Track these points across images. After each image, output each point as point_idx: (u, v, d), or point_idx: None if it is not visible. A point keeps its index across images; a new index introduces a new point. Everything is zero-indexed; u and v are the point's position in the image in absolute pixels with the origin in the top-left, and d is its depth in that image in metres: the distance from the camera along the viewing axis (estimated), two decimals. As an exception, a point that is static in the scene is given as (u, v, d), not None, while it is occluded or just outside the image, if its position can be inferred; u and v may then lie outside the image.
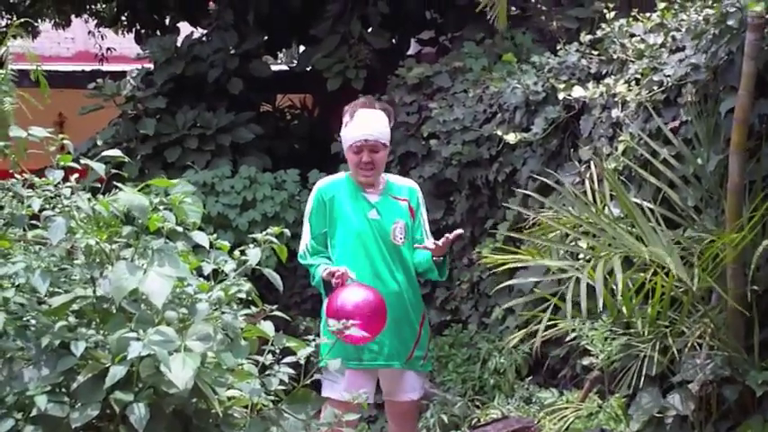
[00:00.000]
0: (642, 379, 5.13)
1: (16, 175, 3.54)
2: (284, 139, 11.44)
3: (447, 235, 5.40)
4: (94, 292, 3.31)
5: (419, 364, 5.63)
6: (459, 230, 5.51)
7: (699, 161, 5.48)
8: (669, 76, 5.77)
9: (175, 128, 10.17)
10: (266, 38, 11.82)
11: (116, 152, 3.52)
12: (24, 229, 3.62)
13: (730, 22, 5.25)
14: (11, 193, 3.56)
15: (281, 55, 15.11)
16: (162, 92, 10.52)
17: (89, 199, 3.35)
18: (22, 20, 4.39)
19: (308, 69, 11.35)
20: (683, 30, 6.03)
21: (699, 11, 5.97)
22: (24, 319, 3.28)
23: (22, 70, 4.20)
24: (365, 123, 5.54)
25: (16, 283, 3.27)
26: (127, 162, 3.56)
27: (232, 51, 10.83)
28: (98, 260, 3.37)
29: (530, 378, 6.89)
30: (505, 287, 6.60)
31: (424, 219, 5.72)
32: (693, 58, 5.65)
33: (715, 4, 5.59)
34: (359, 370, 5.43)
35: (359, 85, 10.12)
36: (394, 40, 11.56)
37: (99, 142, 10.13)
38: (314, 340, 3.70)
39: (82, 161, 3.39)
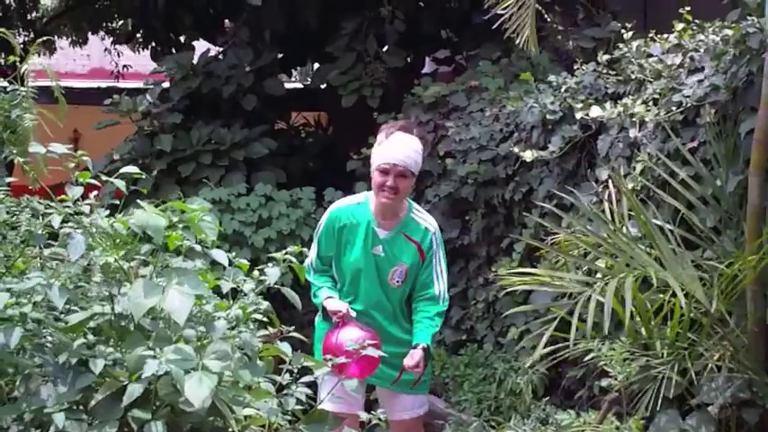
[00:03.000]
0: (660, 401, 5.10)
1: (33, 193, 3.55)
2: (298, 157, 11.42)
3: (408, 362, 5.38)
4: (113, 309, 3.30)
5: (408, 387, 5.62)
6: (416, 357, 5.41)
7: (718, 182, 5.46)
8: (688, 96, 5.75)
9: (190, 144, 10.18)
10: (281, 55, 11.83)
11: (133, 169, 3.51)
12: (40, 247, 3.62)
13: (750, 43, 5.24)
14: (28, 210, 3.56)
15: (295, 73, 15.12)
16: (178, 108, 10.54)
17: (107, 216, 3.34)
18: (44, 38, 4.37)
19: (323, 87, 11.35)
20: (702, 50, 6.01)
21: (717, 31, 5.96)
22: (42, 335, 3.27)
23: (39, 87, 4.20)
24: (399, 147, 5.40)
25: (33, 300, 3.26)
26: (142, 178, 3.55)
27: (247, 69, 10.84)
28: (116, 278, 3.36)
29: (546, 399, 6.84)
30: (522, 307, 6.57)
31: (436, 262, 5.59)
32: (713, 78, 5.63)
33: (734, 25, 5.58)
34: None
35: (374, 103, 10.11)
36: (409, 59, 11.56)
37: (116, 157, 10.15)
38: (330, 360, 3.69)
39: (102, 178, 3.38)
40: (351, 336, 5.16)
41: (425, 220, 5.64)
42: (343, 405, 5.22)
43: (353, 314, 5.36)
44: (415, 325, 5.55)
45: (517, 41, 6.39)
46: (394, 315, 5.61)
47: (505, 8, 6.07)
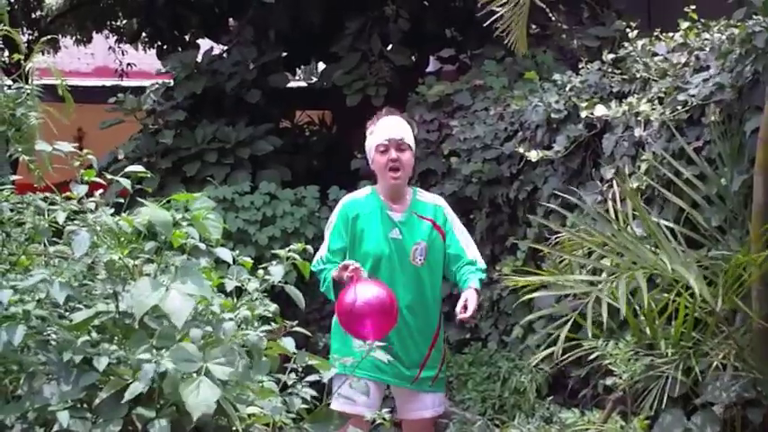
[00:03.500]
0: (665, 400, 5.09)
1: (38, 191, 3.55)
2: (303, 156, 11.43)
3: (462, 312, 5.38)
4: (117, 307, 3.30)
5: (428, 384, 5.63)
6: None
7: (723, 181, 5.45)
8: (693, 95, 5.73)
9: (194, 142, 10.18)
10: (285, 54, 11.84)
11: (138, 168, 3.51)
12: (45, 245, 3.62)
13: (756, 42, 5.23)
14: (32, 208, 3.56)
15: (299, 71, 15.12)
16: (182, 106, 10.55)
17: (112, 214, 3.34)
18: (49, 37, 4.36)
19: (328, 86, 11.36)
20: (708, 49, 6.00)
21: (723, 30, 5.95)
22: (45, 333, 3.27)
23: (43, 85, 4.20)
24: (390, 124, 5.61)
25: (37, 298, 3.26)
26: (147, 176, 3.55)
27: (251, 66, 10.84)
28: (120, 275, 3.35)
29: (550, 398, 6.83)
30: (526, 305, 6.57)
31: (458, 233, 5.72)
32: (718, 77, 5.62)
33: (740, 24, 5.56)
34: (362, 379, 5.29)
35: (379, 102, 10.10)
36: (414, 58, 11.56)
37: (120, 156, 10.15)
38: (337, 359, 3.69)
39: (108, 176, 3.39)
40: (368, 291, 5.08)
41: (432, 198, 5.83)
42: (356, 407, 5.03)
43: (365, 274, 5.25)
44: (459, 277, 5.62)
45: (506, 41, 6.35)
46: (421, 303, 5.59)
47: (501, 5, 6.02)
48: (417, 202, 5.68)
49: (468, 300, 5.39)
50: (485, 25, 6.27)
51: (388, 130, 5.56)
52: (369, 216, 5.57)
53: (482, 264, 5.69)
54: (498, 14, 6.10)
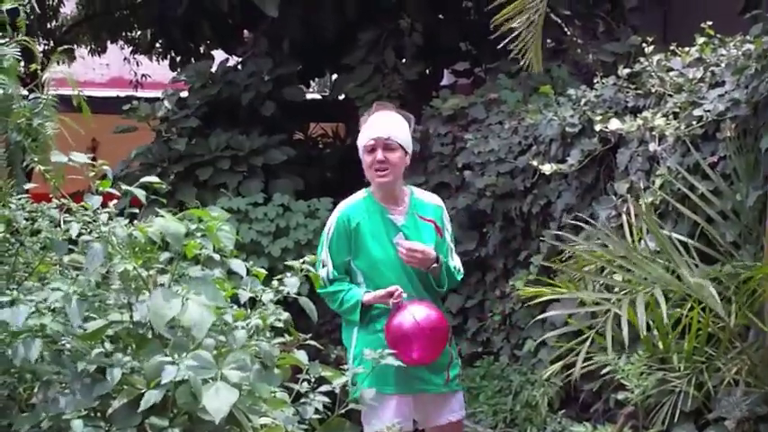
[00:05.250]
0: (677, 415, 5.08)
1: (54, 200, 3.56)
2: (316, 168, 11.44)
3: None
4: (131, 317, 3.31)
5: (455, 383, 5.49)
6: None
7: (737, 197, 5.45)
8: (709, 110, 5.73)
9: (208, 149, 10.21)
10: (299, 66, 11.87)
11: (153, 178, 3.52)
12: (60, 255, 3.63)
13: (773, 58, 5.24)
14: (47, 218, 3.57)
15: (313, 84, 15.15)
16: (196, 115, 10.58)
17: (127, 225, 3.35)
18: (65, 47, 4.39)
19: (341, 98, 11.37)
20: (723, 65, 5.99)
21: (739, 46, 5.94)
22: (60, 343, 3.27)
23: (59, 95, 4.21)
24: (378, 122, 5.34)
25: (52, 307, 3.27)
26: (159, 184, 3.55)
27: (266, 78, 10.86)
28: (134, 285, 3.36)
29: (562, 411, 6.83)
30: (538, 320, 6.56)
31: (449, 239, 5.51)
32: (734, 93, 5.61)
33: (756, 39, 5.56)
34: (394, 396, 5.23)
35: (392, 115, 10.10)
36: (428, 71, 11.57)
37: (132, 159, 10.19)
38: (354, 365, 3.69)
39: (123, 188, 3.39)
40: (423, 314, 5.00)
41: (431, 197, 5.58)
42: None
43: (405, 295, 5.13)
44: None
45: (521, 63, 6.35)
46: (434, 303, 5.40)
47: (515, 23, 6.04)
48: (416, 201, 5.45)
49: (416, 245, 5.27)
50: (499, 47, 6.28)
51: (375, 129, 5.30)
52: (370, 222, 5.32)
53: (459, 272, 5.52)
54: (514, 34, 6.11)
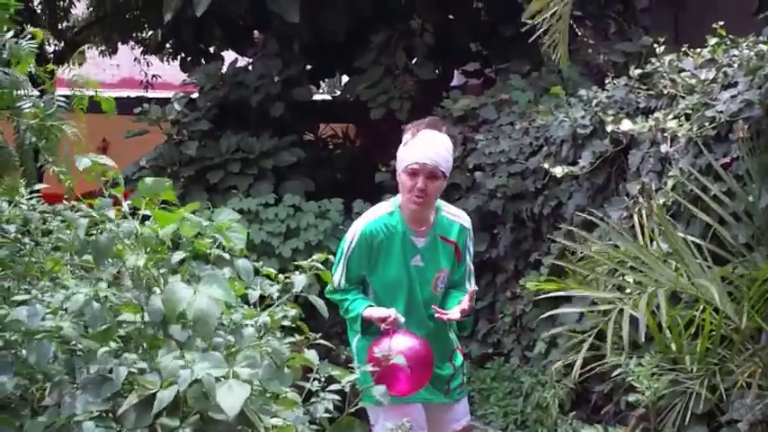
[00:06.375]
0: (689, 417, 5.06)
1: (65, 201, 3.57)
2: (326, 168, 11.44)
3: (465, 298, 5.05)
4: (142, 317, 3.30)
5: (457, 393, 5.40)
6: (473, 289, 5.18)
7: (750, 198, 5.43)
8: (721, 111, 5.71)
9: (219, 152, 10.22)
10: (310, 67, 11.86)
11: (162, 180, 3.52)
12: (71, 254, 3.63)
13: (786, 59, 5.22)
14: (60, 218, 3.57)
15: (323, 84, 15.15)
16: (206, 116, 10.59)
17: (139, 225, 3.35)
18: (81, 49, 4.38)
19: (351, 99, 11.37)
20: (736, 65, 5.97)
21: (751, 46, 5.93)
22: (72, 343, 3.27)
23: (70, 96, 4.21)
24: (427, 145, 4.97)
25: (64, 306, 3.26)
26: (170, 186, 3.55)
27: (276, 79, 10.86)
28: (145, 284, 3.36)
29: (573, 413, 6.82)
30: (549, 321, 6.54)
31: (468, 261, 5.30)
32: (746, 93, 5.60)
33: (769, 40, 5.56)
34: (405, 404, 5.05)
35: (403, 115, 10.10)
36: (438, 72, 11.56)
37: (143, 164, 10.20)
38: (358, 368, 3.68)
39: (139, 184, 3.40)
40: (404, 344, 4.79)
41: (458, 216, 5.30)
42: None
43: (402, 320, 4.93)
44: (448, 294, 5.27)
45: (553, 56, 6.36)
46: (436, 328, 5.22)
47: (540, 20, 6.04)
48: (442, 220, 5.21)
49: (466, 300, 5.04)
50: (530, 41, 6.30)
51: (422, 152, 4.96)
52: (390, 241, 5.11)
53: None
54: (542, 29, 6.11)
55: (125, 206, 3.39)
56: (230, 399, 2.93)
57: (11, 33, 3.83)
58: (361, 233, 5.12)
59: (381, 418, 5.03)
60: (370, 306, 5.09)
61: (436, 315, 5.02)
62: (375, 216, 5.16)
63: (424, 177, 4.95)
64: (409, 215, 5.12)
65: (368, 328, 5.09)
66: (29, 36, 3.84)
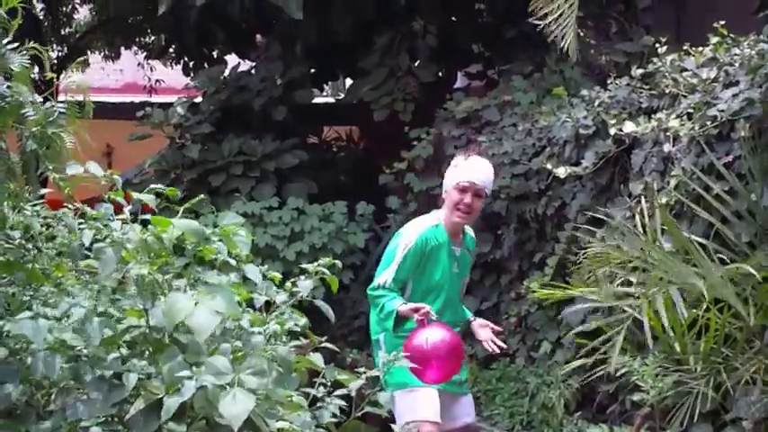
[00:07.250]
0: (695, 416, 5.07)
1: (68, 207, 3.57)
2: (330, 171, 11.45)
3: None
4: (147, 322, 3.31)
5: (465, 386, 5.80)
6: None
7: (753, 197, 5.43)
8: (723, 110, 5.72)
9: (221, 155, 10.23)
10: (313, 70, 11.87)
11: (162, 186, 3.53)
12: (73, 260, 3.63)
13: (787, 57, 5.23)
14: (63, 224, 3.58)
15: (326, 87, 15.15)
16: (208, 120, 10.60)
17: (142, 230, 3.35)
18: (83, 58, 4.39)
19: (355, 101, 11.37)
20: (737, 64, 5.98)
21: (753, 45, 5.93)
22: (77, 348, 3.28)
23: (74, 102, 4.21)
24: (477, 168, 5.62)
25: (69, 314, 3.27)
26: (172, 191, 3.56)
27: (278, 82, 10.88)
28: (150, 290, 3.36)
29: (578, 413, 6.82)
30: (554, 321, 6.55)
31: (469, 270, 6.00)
32: (748, 92, 5.60)
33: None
34: (428, 388, 5.45)
35: (406, 117, 10.12)
36: (441, 74, 11.56)
37: (147, 168, 10.21)
38: (364, 373, 3.69)
39: (135, 196, 3.40)
40: (438, 335, 5.20)
41: (471, 231, 5.92)
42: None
43: (435, 316, 5.35)
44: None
45: (561, 44, 6.40)
46: (455, 324, 5.65)
47: (548, 12, 6.07)
48: (467, 236, 5.82)
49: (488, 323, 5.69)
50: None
51: (474, 173, 5.59)
52: (438, 249, 5.61)
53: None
54: (555, 16, 6.15)
55: (126, 213, 3.40)
56: (234, 409, 2.94)
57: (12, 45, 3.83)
58: (418, 237, 5.61)
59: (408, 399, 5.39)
60: (404, 304, 5.46)
61: (489, 348, 5.57)
62: (426, 226, 5.68)
63: (471, 194, 5.57)
64: (451, 227, 5.67)
65: (401, 323, 5.45)
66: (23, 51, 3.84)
